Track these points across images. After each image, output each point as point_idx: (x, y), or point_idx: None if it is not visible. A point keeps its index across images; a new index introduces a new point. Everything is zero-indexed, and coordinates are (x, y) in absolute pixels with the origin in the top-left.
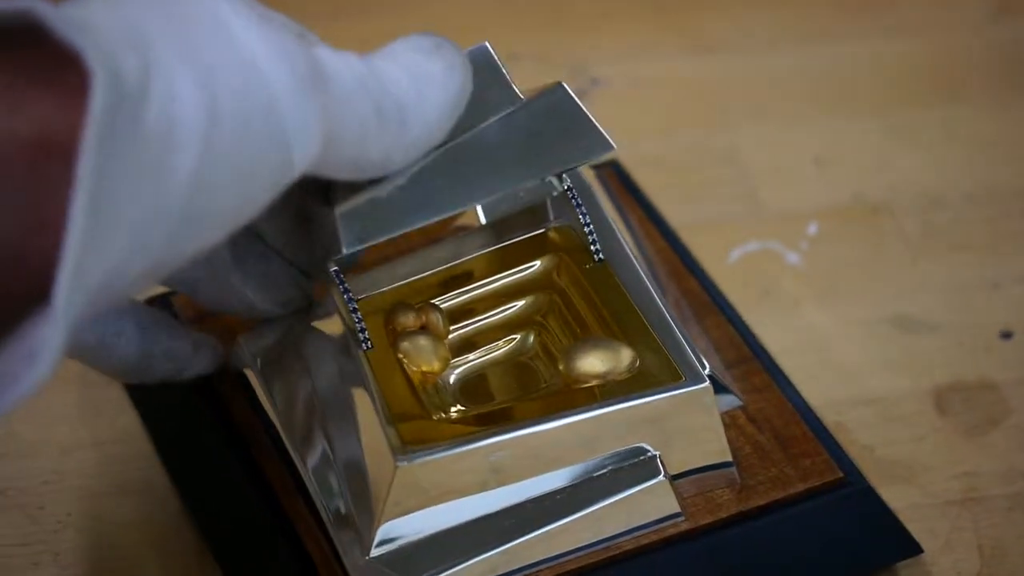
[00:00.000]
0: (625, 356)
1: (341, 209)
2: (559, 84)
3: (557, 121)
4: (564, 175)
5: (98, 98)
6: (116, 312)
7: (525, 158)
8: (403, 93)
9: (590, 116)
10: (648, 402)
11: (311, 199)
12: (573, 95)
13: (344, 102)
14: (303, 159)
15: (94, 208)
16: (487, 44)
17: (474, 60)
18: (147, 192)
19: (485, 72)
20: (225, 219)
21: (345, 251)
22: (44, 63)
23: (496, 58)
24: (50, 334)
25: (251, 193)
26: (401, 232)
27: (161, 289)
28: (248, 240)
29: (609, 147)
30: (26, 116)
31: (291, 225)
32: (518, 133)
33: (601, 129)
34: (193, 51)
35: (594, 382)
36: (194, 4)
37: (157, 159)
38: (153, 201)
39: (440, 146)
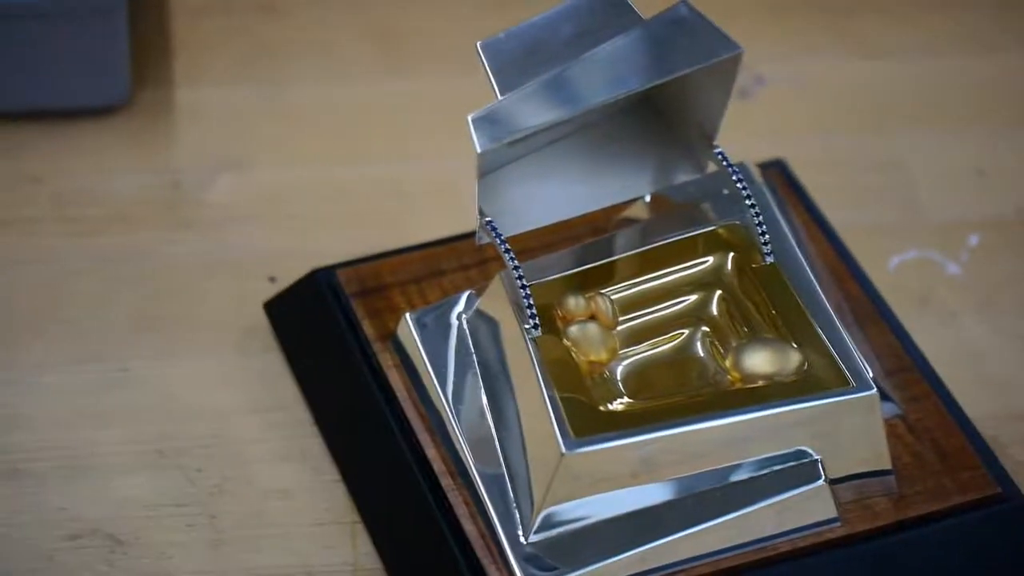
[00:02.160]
0: (793, 358)
1: (474, 115)
2: (682, 1)
3: (681, 30)
4: (737, 175)
5: None
6: None
7: (652, 62)
8: None
9: (713, 23)
10: (814, 406)
11: None
12: (695, 8)
13: None
14: None
15: None
16: None
17: None
18: None
19: (612, 7)
20: None
21: (479, 150)
22: None
23: None
24: None
25: None
26: (533, 128)
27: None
28: None
29: (735, 47)
30: None
31: None
32: (644, 43)
33: (725, 32)
34: None
35: (761, 382)
36: None
37: None
38: None
39: (568, 61)
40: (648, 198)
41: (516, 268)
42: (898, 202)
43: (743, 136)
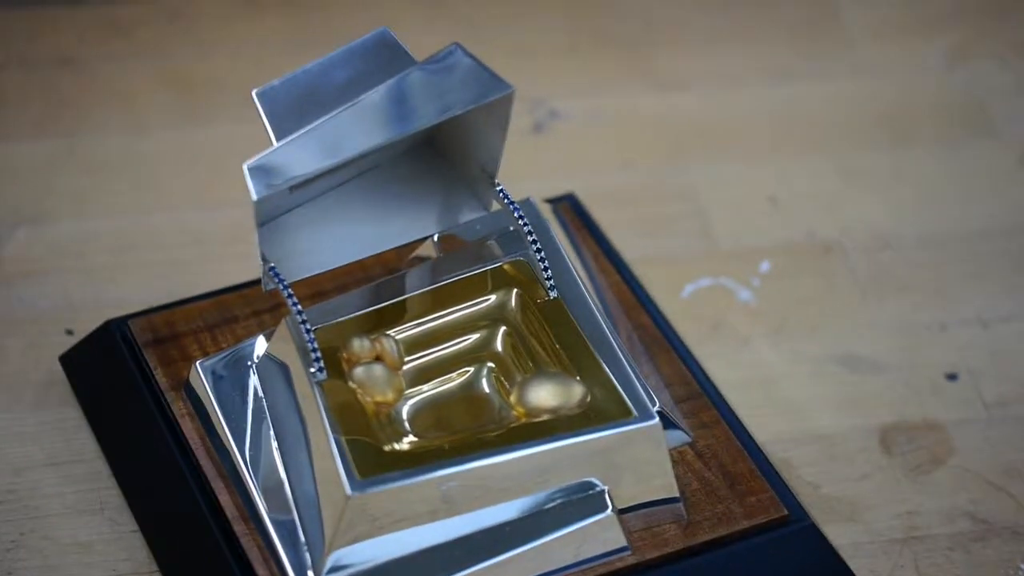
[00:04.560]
0: (576, 391)
1: (250, 163)
2: (454, 44)
3: (453, 73)
4: (518, 211)
5: None
6: None
7: (425, 104)
8: None
9: (485, 66)
10: (598, 437)
11: None
12: (467, 51)
13: None
14: None
15: None
16: (387, 29)
17: (375, 43)
18: None
19: (386, 51)
20: None
21: (255, 198)
22: None
23: (396, 39)
24: None
25: None
26: (309, 175)
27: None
28: None
29: (505, 87)
30: None
31: None
32: (416, 86)
33: (497, 75)
34: None
35: (545, 416)
36: None
37: None
38: None
39: (342, 106)
40: (436, 237)
41: (299, 313)
42: (692, 232)
43: (538, 171)
